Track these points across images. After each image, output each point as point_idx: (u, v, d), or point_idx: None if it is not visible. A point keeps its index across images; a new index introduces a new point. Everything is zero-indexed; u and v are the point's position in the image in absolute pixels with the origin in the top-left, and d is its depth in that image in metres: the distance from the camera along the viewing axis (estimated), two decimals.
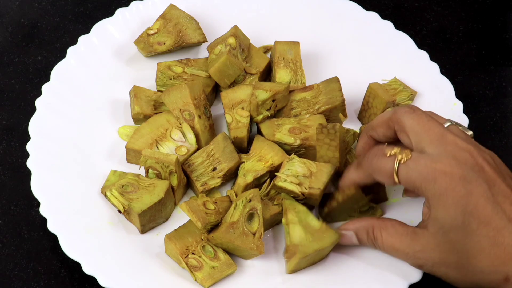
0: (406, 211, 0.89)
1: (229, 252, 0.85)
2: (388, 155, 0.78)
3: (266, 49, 1.02)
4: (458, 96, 0.96)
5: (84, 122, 0.94)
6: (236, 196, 0.88)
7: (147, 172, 0.88)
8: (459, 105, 0.95)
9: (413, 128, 0.78)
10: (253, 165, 0.89)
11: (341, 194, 0.85)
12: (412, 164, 0.76)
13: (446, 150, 0.75)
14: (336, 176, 0.89)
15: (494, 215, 0.72)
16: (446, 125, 0.80)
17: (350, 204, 0.86)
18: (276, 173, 0.86)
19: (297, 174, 0.86)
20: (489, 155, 0.77)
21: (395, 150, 0.78)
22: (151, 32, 1.00)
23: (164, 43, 1.00)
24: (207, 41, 1.01)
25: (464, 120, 0.94)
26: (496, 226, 0.72)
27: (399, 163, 0.76)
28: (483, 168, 0.74)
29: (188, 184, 0.91)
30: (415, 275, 0.84)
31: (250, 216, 0.85)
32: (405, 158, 0.76)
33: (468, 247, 0.73)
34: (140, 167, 0.89)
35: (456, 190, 0.73)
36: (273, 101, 0.92)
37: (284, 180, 0.85)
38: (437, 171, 0.74)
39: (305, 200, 0.86)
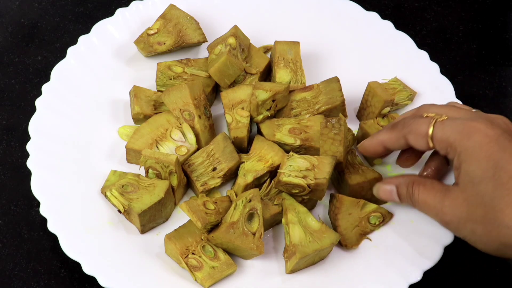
0: (406, 211, 0.89)
1: (229, 252, 0.85)
2: (425, 116, 0.80)
3: (266, 49, 1.02)
4: (458, 96, 0.96)
5: (84, 122, 0.95)
6: (236, 196, 0.88)
7: (147, 172, 0.88)
8: None
9: (443, 112, 0.80)
10: (253, 165, 0.89)
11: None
12: (448, 122, 0.77)
13: (481, 116, 0.78)
14: (339, 173, 0.90)
15: None
16: (473, 110, 0.82)
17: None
18: (278, 170, 0.86)
19: (300, 169, 0.86)
20: None
21: (432, 114, 0.80)
22: (151, 32, 1.00)
23: (164, 43, 1.00)
24: (207, 41, 1.01)
25: None
26: None
27: (435, 121, 0.78)
28: None
29: (188, 184, 0.91)
30: (415, 275, 0.84)
31: (250, 216, 0.85)
32: (442, 118, 0.78)
33: (496, 201, 0.73)
34: (140, 167, 0.89)
35: (490, 145, 0.74)
36: (273, 101, 0.92)
37: (289, 175, 0.85)
38: (473, 127, 0.75)
39: (310, 195, 0.86)
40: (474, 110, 0.82)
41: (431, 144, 0.78)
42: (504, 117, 0.79)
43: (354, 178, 0.88)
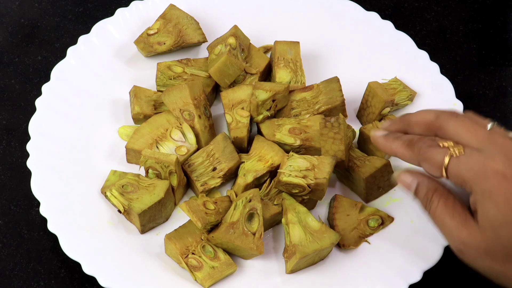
0: (406, 211, 0.89)
1: (229, 252, 0.85)
2: (441, 146, 0.77)
3: (266, 49, 1.02)
4: (458, 96, 0.96)
5: (84, 122, 0.95)
6: (236, 196, 0.88)
7: (147, 172, 0.88)
8: (459, 105, 0.96)
9: (458, 133, 0.78)
10: (253, 165, 0.89)
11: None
12: (464, 159, 0.75)
13: (497, 149, 0.75)
14: (346, 170, 0.90)
15: None
16: (489, 126, 0.79)
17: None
18: (278, 170, 0.86)
19: (300, 169, 0.86)
20: None
21: (449, 143, 0.77)
22: (151, 32, 1.00)
23: (164, 43, 1.00)
24: (207, 41, 1.01)
25: None
26: None
27: (451, 156, 0.76)
28: None
29: (188, 184, 0.91)
30: (415, 275, 0.84)
31: (250, 216, 0.85)
32: (458, 152, 0.76)
33: None
34: (140, 167, 0.89)
35: (508, 188, 0.73)
36: (273, 101, 0.92)
37: (289, 175, 0.85)
38: (489, 168, 0.73)
39: (310, 195, 0.86)
40: (489, 125, 0.78)
41: (444, 175, 0.77)
42: None
43: (365, 171, 0.89)
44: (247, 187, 0.88)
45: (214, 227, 0.85)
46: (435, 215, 0.78)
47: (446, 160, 0.76)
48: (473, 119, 0.79)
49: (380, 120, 0.95)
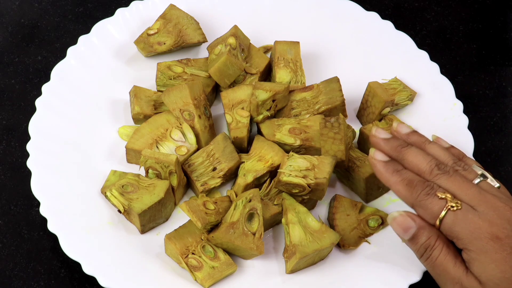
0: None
1: (229, 252, 0.85)
2: (439, 197, 0.78)
3: (266, 49, 1.02)
4: (458, 96, 0.96)
5: (84, 122, 0.95)
6: (236, 196, 0.88)
7: (147, 172, 0.88)
8: (459, 105, 0.96)
9: (448, 190, 0.79)
10: (253, 165, 0.89)
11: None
12: (461, 215, 0.76)
13: (489, 209, 0.77)
14: (346, 170, 0.90)
15: None
16: (476, 181, 0.80)
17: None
18: (278, 170, 0.86)
19: (300, 168, 0.86)
20: None
21: (448, 195, 0.78)
22: (151, 32, 1.00)
23: (164, 43, 1.00)
24: (207, 41, 1.01)
25: (464, 120, 0.94)
26: None
27: (448, 209, 0.77)
28: None
29: (188, 184, 0.91)
30: (415, 275, 0.84)
31: (250, 216, 0.85)
32: (456, 207, 0.77)
33: None
34: (140, 167, 0.89)
35: (503, 248, 0.75)
36: (273, 101, 0.92)
37: (289, 174, 0.85)
38: (484, 230, 0.75)
39: (310, 195, 0.86)
40: (477, 180, 0.80)
41: (437, 225, 0.78)
42: (507, 197, 0.79)
43: (365, 171, 0.89)
44: (247, 187, 0.88)
45: (214, 227, 0.85)
46: (436, 263, 0.78)
47: (443, 213, 0.77)
48: (462, 175, 0.80)
49: (380, 120, 0.95)
